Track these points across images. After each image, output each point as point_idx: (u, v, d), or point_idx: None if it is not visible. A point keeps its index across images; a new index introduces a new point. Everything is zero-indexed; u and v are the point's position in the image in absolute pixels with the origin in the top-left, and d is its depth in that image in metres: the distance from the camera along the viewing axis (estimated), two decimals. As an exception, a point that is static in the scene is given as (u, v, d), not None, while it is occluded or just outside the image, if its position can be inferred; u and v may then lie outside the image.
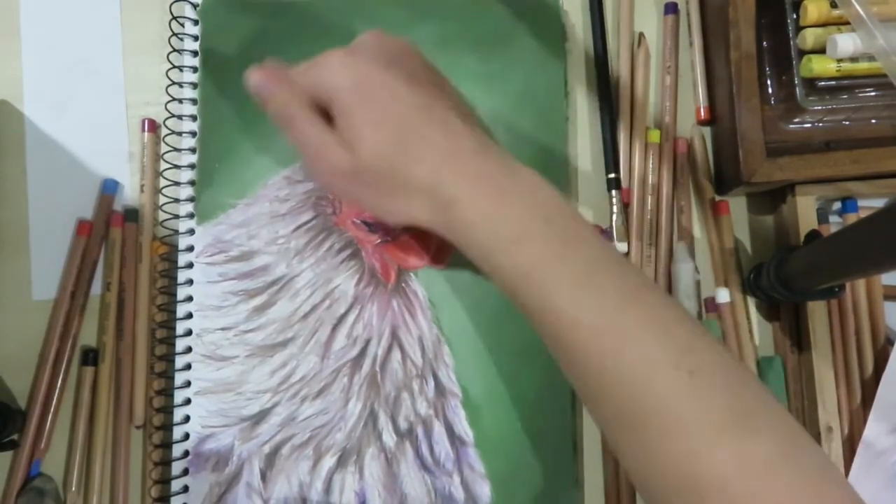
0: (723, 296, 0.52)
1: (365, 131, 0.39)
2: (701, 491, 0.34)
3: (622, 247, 0.53)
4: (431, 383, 0.50)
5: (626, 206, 0.54)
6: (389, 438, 0.49)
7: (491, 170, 0.39)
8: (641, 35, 0.56)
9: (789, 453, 0.34)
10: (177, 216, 0.52)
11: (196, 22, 0.54)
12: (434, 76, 0.42)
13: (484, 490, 0.49)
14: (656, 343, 0.36)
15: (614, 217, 0.53)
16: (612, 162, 0.54)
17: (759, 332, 0.54)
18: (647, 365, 0.36)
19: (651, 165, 0.54)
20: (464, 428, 0.49)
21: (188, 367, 0.50)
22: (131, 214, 0.54)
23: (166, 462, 0.49)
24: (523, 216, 0.38)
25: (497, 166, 0.39)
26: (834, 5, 0.47)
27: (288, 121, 0.41)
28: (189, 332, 0.51)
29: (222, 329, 0.51)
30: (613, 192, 0.54)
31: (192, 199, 0.52)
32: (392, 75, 0.39)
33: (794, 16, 0.50)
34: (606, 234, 0.53)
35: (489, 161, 0.39)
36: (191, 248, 0.52)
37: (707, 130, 0.55)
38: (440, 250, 0.51)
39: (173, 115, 0.53)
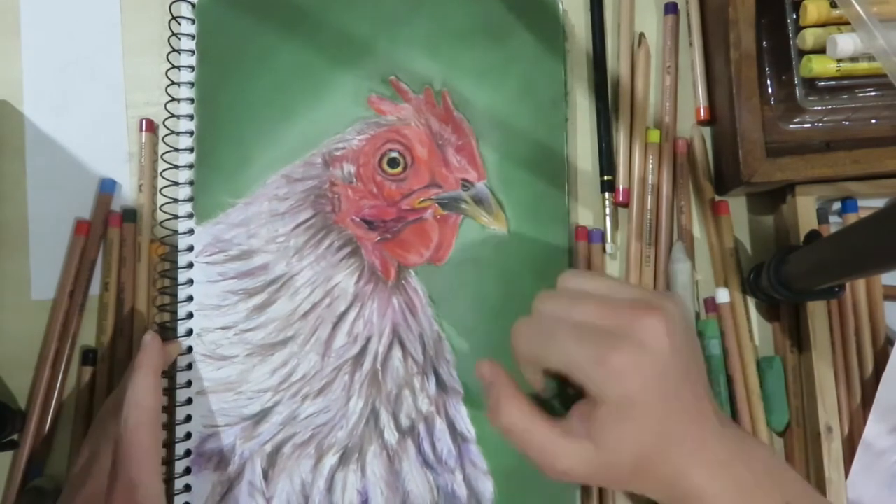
0: (723, 296, 0.52)
1: (618, 443, 0.38)
2: None
3: (610, 248, 0.53)
4: (433, 380, 0.50)
5: (625, 206, 0.54)
6: (391, 436, 0.49)
7: (728, 459, 0.38)
8: (641, 35, 0.56)
9: None
10: (176, 216, 0.52)
11: (194, 21, 0.54)
12: (682, 374, 0.39)
13: (487, 486, 0.49)
14: None
15: (607, 220, 0.54)
16: (607, 164, 0.54)
17: (759, 332, 0.54)
18: None
19: (651, 165, 0.54)
20: (465, 425, 0.49)
21: (189, 366, 0.50)
22: (129, 215, 0.54)
23: (169, 461, 0.49)
24: None
25: (734, 453, 0.38)
26: (834, 5, 0.47)
27: (516, 436, 0.40)
28: (190, 332, 0.51)
29: (222, 328, 0.51)
30: (606, 194, 0.54)
31: (190, 199, 0.52)
32: (651, 394, 0.38)
33: (794, 16, 0.50)
34: (598, 234, 0.53)
35: (726, 449, 0.38)
36: (190, 248, 0.52)
37: (707, 130, 0.55)
38: (440, 247, 0.51)
39: (173, 115, 0.53)
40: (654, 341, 0.37)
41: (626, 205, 0.54)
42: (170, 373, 0.51)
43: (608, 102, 0.55)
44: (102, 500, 0.43)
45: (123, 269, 0.53)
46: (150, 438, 0.44)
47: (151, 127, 0.55)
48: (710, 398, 0.40)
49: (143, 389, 0.45)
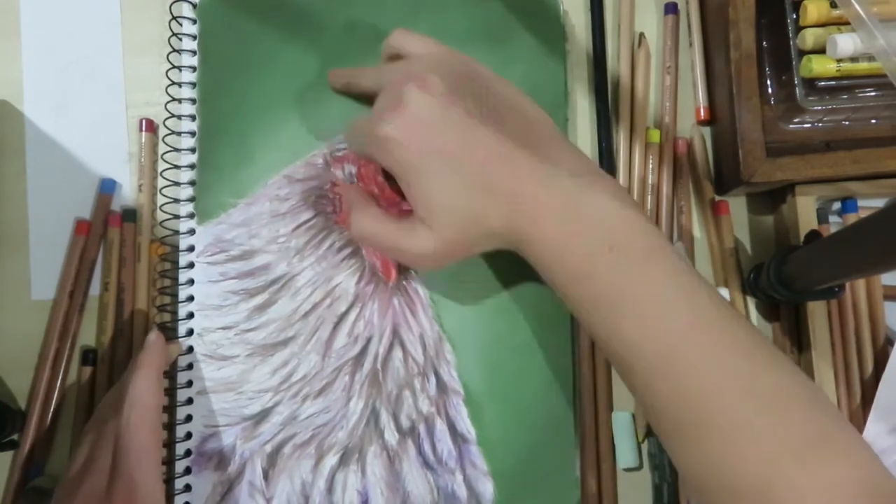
0: (723, 296, 0.52)
1: (433, 214, 0.40)
2: None
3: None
4: (433, 381, 0.50)
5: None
6: (391, 437, 0.49)
7: (555, 204, 0.39)
8: (641, 35, 0.56)
9: (864, 478, 0.34)
10: (177, 216, 0.52)
11: (195, 21, 0.54)
12: (488, 112, 0.41)
13: (487, 487, 0.49)
14: (725, 369, 0.36)
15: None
16: (607, 164, 0.54)
17: (759, 332, 0.54)
18: (716, 392, 0.35)
19: (651, 165, 0.54)
20: (466, 425, 0.49)
21: (190, 366, 0.50)
22: (129, 215, 0.54)
23: (169, 461, 0.49)
24: (588, 249, 0.38)
25: (562, 197, 0.39)
26: (834, 5, 0.47)
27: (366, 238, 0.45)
28: (190, 332, 0.51)
29: (223, 328, 0.51)
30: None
31: (192, 199, 0.52)
32: (446, 140, 0.40)
33: (794, 16, 0.50)
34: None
35: (554, 193, 0.39)
36: (191, 248, 0.52)
37: (707, 130, 0.55)
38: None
39: (173, 115, 0.53)
40: (412, 104, 0.40)
41: (626, 205, 0.54)
42: (170, 372, 0.50)
43: (608, 102, 0.55)
44: (101, 499, 0.43)
45: (123, 270, 0.53)
46: (152, 438, 0.44)
47: (151, 127, 0.55)
48: (525, 151, 0.40)
49: (145, 388, 0.45)
